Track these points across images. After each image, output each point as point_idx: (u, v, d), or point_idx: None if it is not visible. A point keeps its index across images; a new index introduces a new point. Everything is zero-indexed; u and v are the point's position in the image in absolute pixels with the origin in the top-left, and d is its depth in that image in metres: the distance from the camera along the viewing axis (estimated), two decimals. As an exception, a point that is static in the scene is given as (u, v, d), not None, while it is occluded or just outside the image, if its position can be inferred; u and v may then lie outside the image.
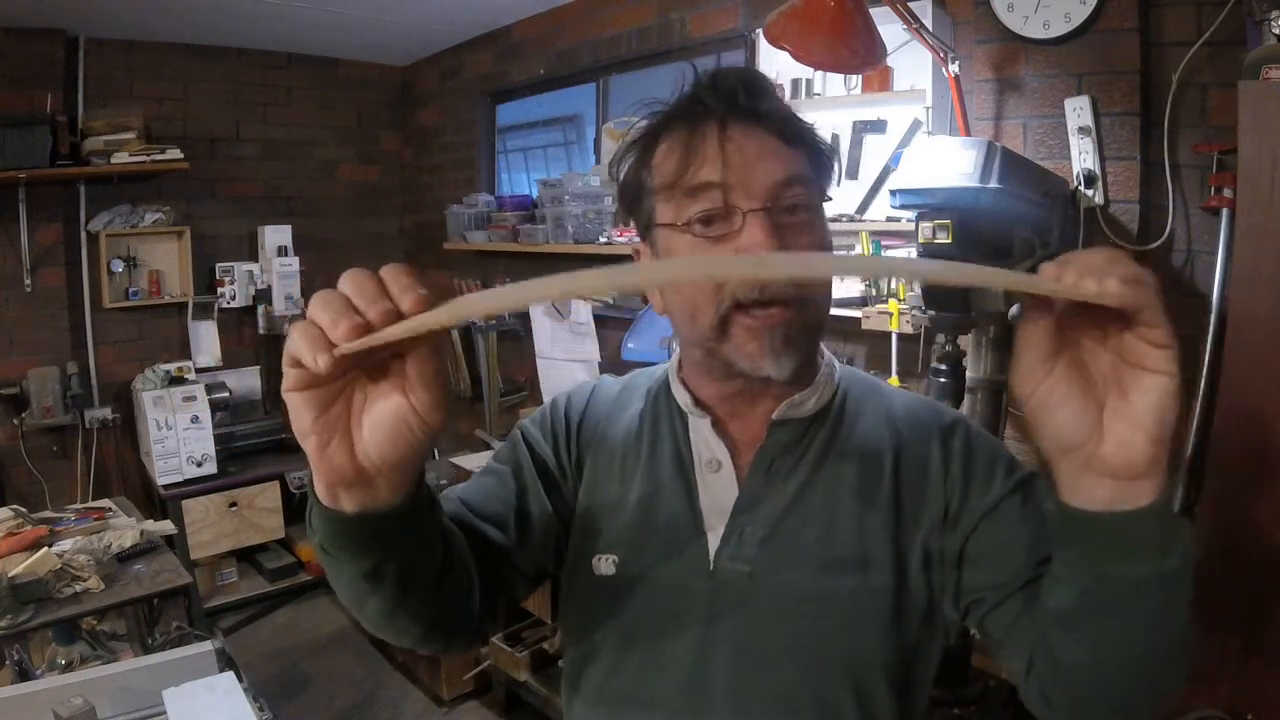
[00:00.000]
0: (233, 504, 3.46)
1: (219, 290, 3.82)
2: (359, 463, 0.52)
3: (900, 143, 2.20)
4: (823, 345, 0.81)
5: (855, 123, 2.35)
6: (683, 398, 0.80)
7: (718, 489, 0.77)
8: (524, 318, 3.57)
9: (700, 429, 0.79)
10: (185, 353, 3.77)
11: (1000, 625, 0.69)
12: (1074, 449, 0.51)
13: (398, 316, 0.48)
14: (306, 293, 3.89)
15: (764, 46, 2.35)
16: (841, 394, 0.80)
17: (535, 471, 0.83)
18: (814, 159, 0.74)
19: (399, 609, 0.64)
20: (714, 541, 0.76)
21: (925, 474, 0.75)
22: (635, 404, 0.85)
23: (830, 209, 2.37)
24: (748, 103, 0.70)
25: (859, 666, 0.72)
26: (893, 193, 1.68)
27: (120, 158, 3.34)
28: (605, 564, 0.79)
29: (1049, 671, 0.62)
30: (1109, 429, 0.50)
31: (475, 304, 0.48)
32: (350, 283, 0.50)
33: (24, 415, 3.36)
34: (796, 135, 0.72)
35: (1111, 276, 0.46)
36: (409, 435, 0.51)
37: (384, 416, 0.51)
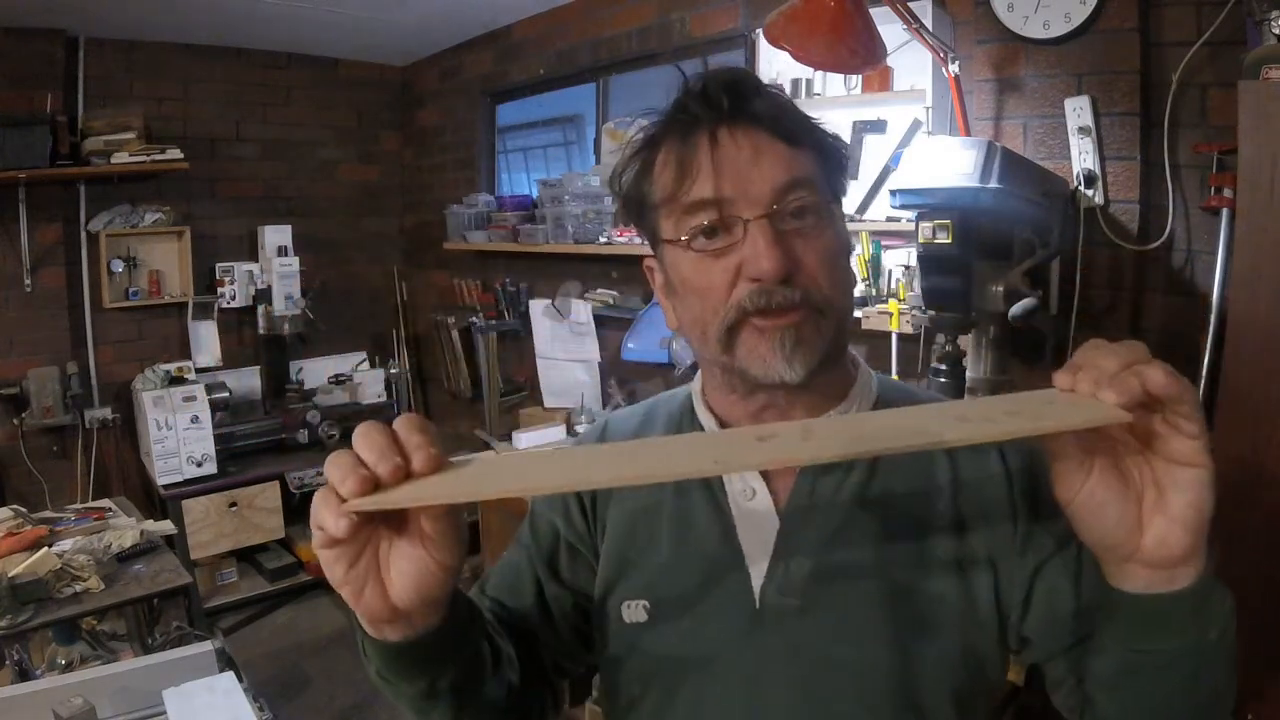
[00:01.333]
0: (233, 504, 3.46)
1: (219, 290, 3.83)
2: (393, 604, 0.55)
3: (900, 143, 2.20)
4: (857, 355, 0.79)
5: (855, 123, 2.34)
6: (707, 421, 0.76)
7: (756, 519, 0.71)
8: (524, 317, 3.57)
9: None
10: (185, 353, 3.77)
11: (1059, 672, 0.68)
12: (1116, 547, 0.52)
13: (408, 473, 0.49)
14: (306, 293, 3.90)
15: (764, 46, 2.35)
16: (882, 406, 0.75)
17: (546, 556, 0.80)
18: (821, 156, 0.69)
19: (463, 716, 0.67)
20: (758, 576, 0.70)
21: (987, 489, 0.70)
22: (656, 432, 0.81)
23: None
24: (737, 105, 0.66)
25: (924, 697, 0.68)
26: (893, 193, 1.68)
27: (120, 158, 3.35)
28: (635, 610, 0.74)
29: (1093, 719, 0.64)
30: (1148, 524, 0.50)
31: (480, 483, 0.51)
32: (362, 439, 0.51)
33: (24, 415, 3.36)
34: (797, 133, 0.67)
35: (1131, 381, 0.46)
36: (432, 580, 0.55)
37: (407, 566, 0.54)
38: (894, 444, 0.48)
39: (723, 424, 0.75)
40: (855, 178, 2.36)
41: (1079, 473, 0.51)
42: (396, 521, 0.54)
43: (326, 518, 0.49)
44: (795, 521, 0.71)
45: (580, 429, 3.20)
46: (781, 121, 0.67)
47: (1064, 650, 0.67)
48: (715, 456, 0.50)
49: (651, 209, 0.71)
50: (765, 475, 0.73)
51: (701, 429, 0.76)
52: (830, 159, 0.70)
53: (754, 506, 0.72)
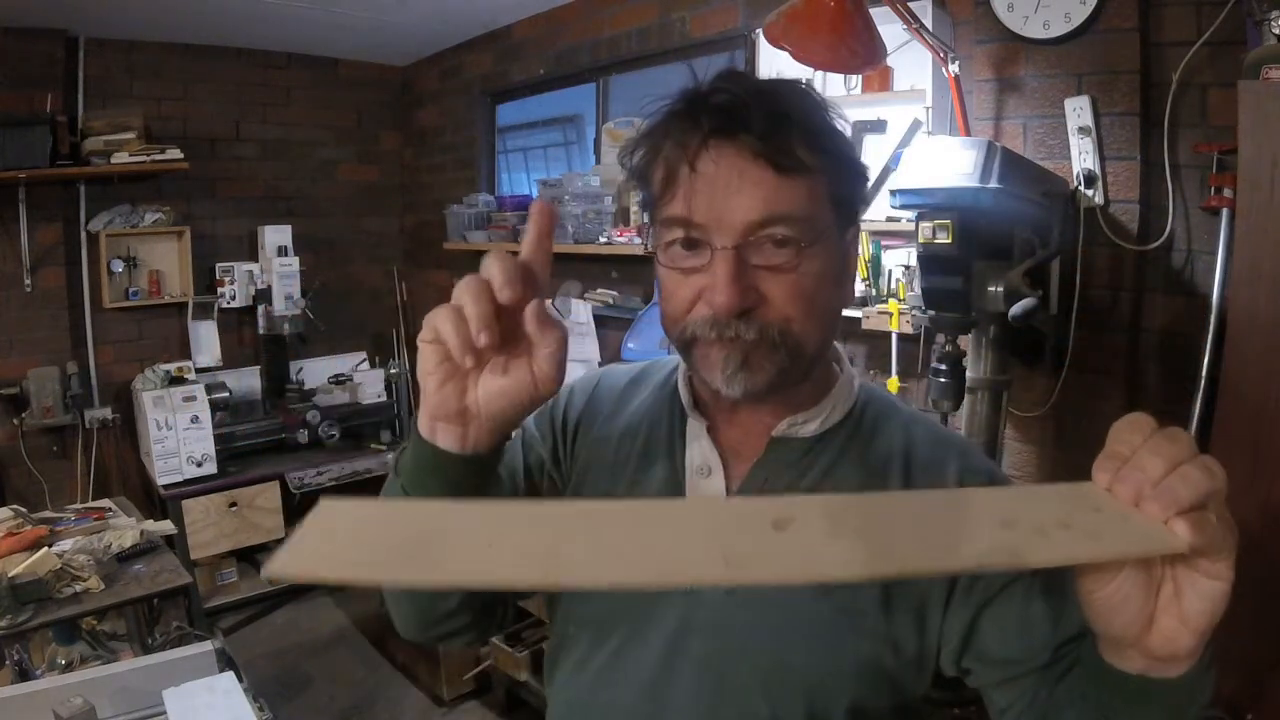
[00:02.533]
0: (233, 504, 3.46)
1: (219, 290, 3.82)
2: (465, 404, 0.58)
3: (900, 143, 2.19)
4: (844, 363, 0.78)
5: (855, 123, 2.33)
6: (685, 396, 0.78)
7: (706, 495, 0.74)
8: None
9: (696, 431, 0.76)
10: (185, 353, 3.77)
11: (1006, 699, 0.68)
12: (1121, 637, 0.51)
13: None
14: (306, 293, 3.90)
15: (764, 46, 2.35)
16: (856, 418, 0.75)
17: (528, 474, 0.81)
18: (833, 177, 0.66)
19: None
20: None
21: None
22: (641, 396, 0.83)
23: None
24: (728, 124, 0.63)
25: (825, 703, 0.69)
26: (893, 193, 1.68)
27: (120, 158, 3.34)
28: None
29: None
30: (1158, 620, 0.49)
31: (432, 560, 0.45)
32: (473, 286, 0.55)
33: (24, 415, 3.36)
34: (793, 158, 0.63)
35: (1181, 493, 0.44)
36: (523, 398, 0.58)
37: (506, 383, 0.58)
38: (926, 566, 0.43)
39: (697, 402, 0.77)
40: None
41: (1111, 569, 0.49)
42: (512, 344, 0.57)
43: (455, 346, 0.54)
44: None
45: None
46: (776, 145, 0.62)
47: (1036, 669, 0.66)
48: (725, 554, 0.43)
49: (649, 205, 0.71)
50: (724, 456, 0.75)
51: (681, 404, 0.78)
52: (844, 179, 0.68)
53: (707, 484, 0.74)
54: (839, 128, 0.68)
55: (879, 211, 2.28)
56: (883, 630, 0.69)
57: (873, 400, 0.78)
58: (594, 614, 0.77)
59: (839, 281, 0.70)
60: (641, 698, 0.72)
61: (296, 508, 3.60)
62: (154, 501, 3.48)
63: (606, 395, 0.85)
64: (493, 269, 0.54)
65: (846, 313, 2.19)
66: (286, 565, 0.44)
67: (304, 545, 0.45)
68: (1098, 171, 1.80)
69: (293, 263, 3.86)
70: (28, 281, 3.36)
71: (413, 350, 4.42)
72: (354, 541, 0.46)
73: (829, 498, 0.47)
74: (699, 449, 0.75)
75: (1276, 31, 1.49)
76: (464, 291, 0.54)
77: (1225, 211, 1.63)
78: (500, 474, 0.66)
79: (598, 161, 3.30)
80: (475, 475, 0.61)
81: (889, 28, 1.90)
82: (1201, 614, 0.48)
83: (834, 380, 0.76)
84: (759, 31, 2.30)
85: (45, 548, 2.04)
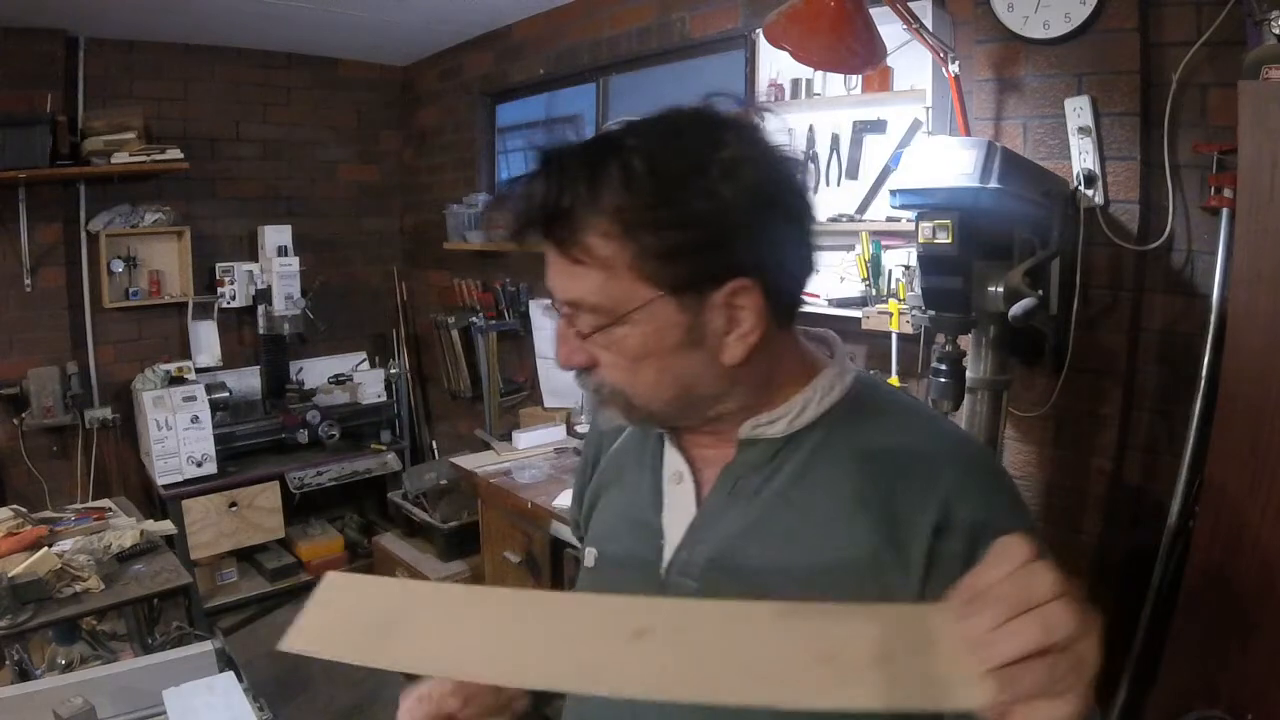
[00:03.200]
0: (233, 504, 3.46)
1: (219, 290, 3.82)
2: None
3: (900, 143, 2.20)
4: (833, 355, 0.76)
5: (855, 123, 2.35)
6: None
7: (679, 502, 0.76)
8: (524, 318, 3.57)
9: (667, 440, 0.78)
10: (185, 353, 3.77)
11: None
12: None
13: None
14: (306, 293, 3.90)
15: (764, 46, 2.35)
16: (841, 414, 0.73)
17: (581, 486, 0.92)
18: (644, 260, 0.63)
19: None
20: (668, 554, 0.74)
21: (908, 546, 0.65)
22: None
23: (831, 209, 2.39)
24: (523, 219, 0.65)
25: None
26: (893, 193, 1.68)
27: (120, 158, 3.34)
28: (589, 556, 0.83)
29: None
30: None
31: (388, 647, 0.57)
32: None
33: (24, 415, 3.36)
34: (583, 250, 0.63)
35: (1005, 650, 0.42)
36: None
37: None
38: (745, 699, 0.47)
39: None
40: (855, 178, 2.37)
41: None
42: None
43: None
44: (712, 510, 0.74)
45: (580, 429, 3.20)
46: (559, 239, 0.64)
47: None
48: (580, 661, 0.51)
49: None
50: (692, 463, 0.76)
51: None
52: (668, 251, 0.63)
53: (679, 491, 0.76)
54: (688, 194, 0.62)
55: (879, 211, 2.28)
56: None
57: (867, 394, 0.75)
58: None
59: (684, 347, 0.67)
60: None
61: (296, 508, 3.60)
62: (154, 501, 3.48)
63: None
64: None
65: (846, 312, 2.22)
66: (294, 642, 0.57)
67: (308, 622, 0.59)
68: (1098, 171, 1.80)
69: (293, 263, 3.86)
70: (28, 281, 3.36)
71: (414, 350, 4.42)
72: (345, 620, 0.59)
73: (692, 606, 0.55)
74: (672, 458, 0.78)
75: (1276, 31, 1.49)
76: None
77: (1225, 211, 1.63)
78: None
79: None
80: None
81: (889, 28, 1.90)
82: None
83: (808, 376, 0.74)
84: (759, 31, 2.30)
85: (45, 548, 2.04)
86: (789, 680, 0.47)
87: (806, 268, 0.72)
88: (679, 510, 0.76)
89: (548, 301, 0.71)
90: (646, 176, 0.62)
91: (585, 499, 0.90)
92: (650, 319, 0.65)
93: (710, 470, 0.75)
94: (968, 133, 1.92)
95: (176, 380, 3.53)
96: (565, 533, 2.39)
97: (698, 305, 0.65)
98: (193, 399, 3.41)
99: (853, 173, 2.37)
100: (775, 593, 0.66)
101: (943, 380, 1.73)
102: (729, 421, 0.73)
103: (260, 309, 3.83)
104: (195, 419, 3.39)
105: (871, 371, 2.31)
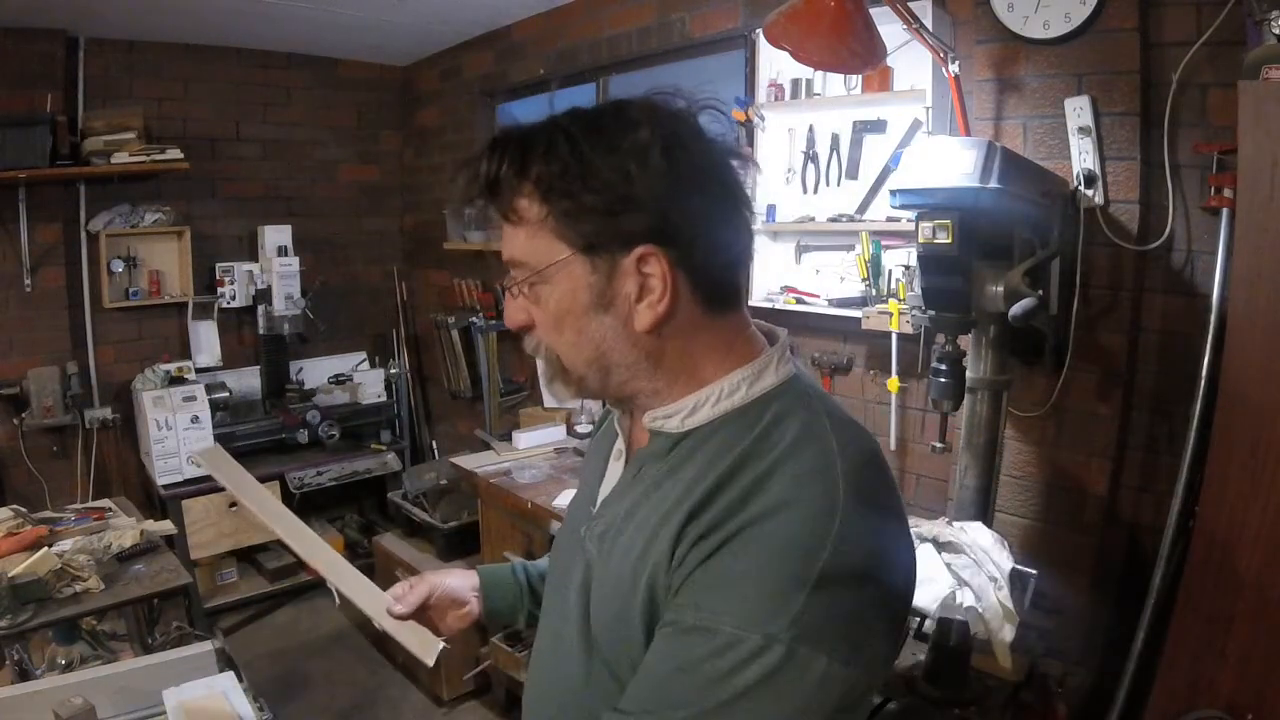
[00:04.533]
0: (233, 504, 3.46)
1: (219, 290, 3.82)
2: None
3: (900, 143, 2.20)
4: (765, 358, 0.75)
5: (855, 123, 2.35)
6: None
7: (613, 476, 0.84)
8: (524, 318, 3.56)
9: (617, 422, 0.87)
10: (185, 353, 3.77)
11: None
12: None
13: None
14: (306, 293, 3.90)
15: (764, 46, 2.35)
16: (728, 420, 0.73)
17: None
18: (565, 223, 0.70)
19: None
20: (590, 520, 0.83)
21: (685, 542, 0.67)
22: None
23: (831, 209, 2.39)
24: (470, 189, 0.74)
25: (622, 682, 0.71)
26: (893, 193, 1.68)
27: (120, 158, 3.34)
28: (559, 524, 0.95)
29: None
30: None
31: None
32: None
33: (24, 415, 3.36)
34: (517, 209, 0.72)
35: None
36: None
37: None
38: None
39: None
40: (855, 178, 2.37)
41: None
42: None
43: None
44: (620, 488, 0.81)
45: (580, 429, 3.20)
46: (498, 202, 0.74)
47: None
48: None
49: None
50: (629, 444, 0.85)
51: None
52: (587, 216, 0.70)
53: (616, 466, 0.85)
54: (605, 166, 0.69)
55: (879, 211, 2.28)
56: (640, 637, 0.72)
57: (783, 399, 0.73)
58: (550, 573, 0.93)
59: (597, 307, 0.72)
60: (546, 651, 0.87)
61: (296, 508, 3.58)
62: (154, 501, 3.48)
63: None
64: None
65: (846, 312, 2.22)
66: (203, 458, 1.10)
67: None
68: (1098, 171, 1.80)
69: (293, 263, 3.86)
70: (28, 281, 3.36)
71: (414, 350, 4.42)
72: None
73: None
74: (619, 435, 0.87)
75: (1276, 31, 1.49)
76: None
77: (1225, 211, 1.63)
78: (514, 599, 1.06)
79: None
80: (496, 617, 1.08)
81: (889, 28, 1.90)
82: None
83: (711, 378, 0.74)
84: (759, 31, 2.30)
85: (45, 548, 2.04)
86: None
87: (736, 252, 0.76)
88: (609, 484, 0.84)
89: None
90: (566, 151, 0.70)
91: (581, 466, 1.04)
92: (566, 276, 0.72)
93: (634, 452, 0.83)
94: (968, 133, 1.92)
95: (176, 380, 3.53)
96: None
97: (610, 269, 0.72)
98: (193, 399, 3.41)
99: (853, 173, 2.37)
100: (619, 565, 0.74)
101: (943, 380, 1.73)
102: (646, 404, 0.78)
103: (260, 309, 3.83)
104: (195, 419, 3.39)
105: (871, 373, 2.32)
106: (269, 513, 1.13)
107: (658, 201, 0.70)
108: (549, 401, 3.41)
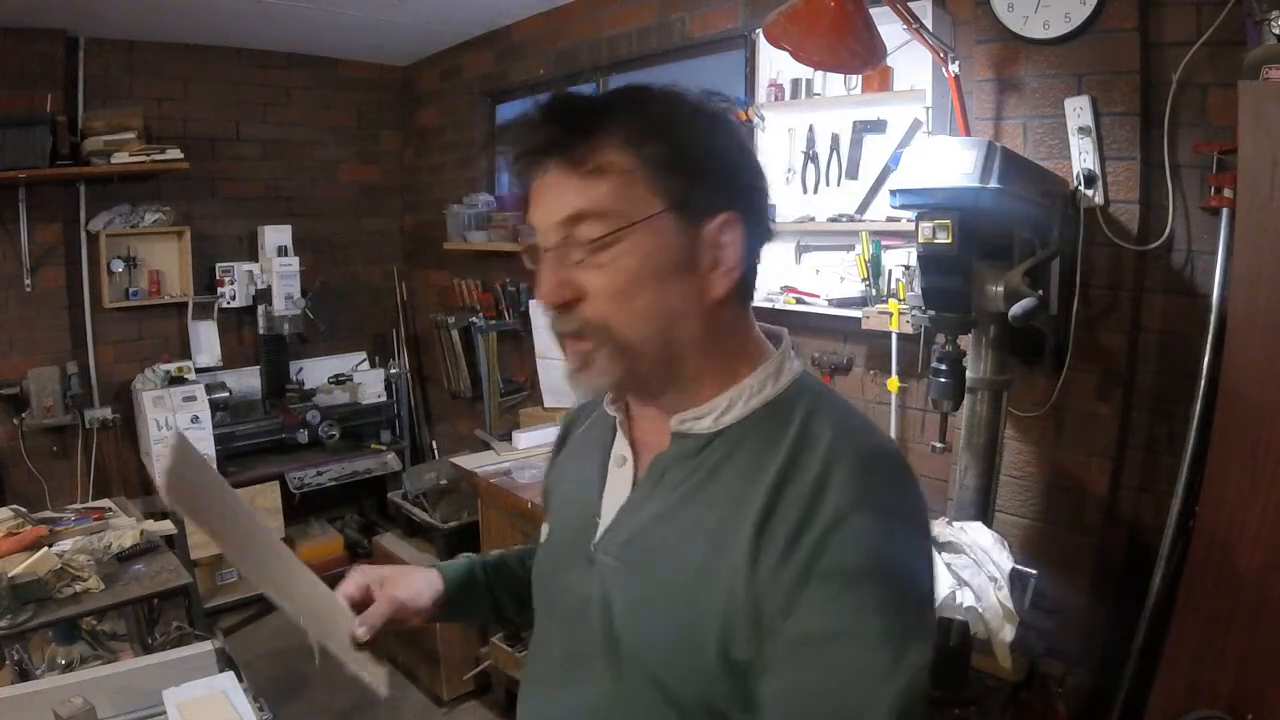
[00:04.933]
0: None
1: (219, 290, 3.82)
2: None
3: (900, 143, 2.20)
4: (779, 353, 0.76)
5: (855, 123, 2.35)
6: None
7: (618, 484, 0.80)
8: (524, 318, 3.57)
9: (619, 426, 0.83)
10: (185, 353, 3.77)
11: None
12: None
13: None
14: (306, 293, 3.90)
15: (764, 46, 2.35)
16: (771, 414, 0.73)
17: (550, 463, 0.97)
18: (653, 177, 0.67)
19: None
20: (600, 531, 0.78)
21: (770, 550, 0.65)
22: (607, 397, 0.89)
23: (831, 209, 2.39)
24: (539, 139, 0.69)
25: (673, 697, 0.70)
26: (893, 193, 1.68)
27: (120, 158, 3.34)
28: (544, 530, 0.89)
29: None
30: None
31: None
32: None
33: (24, 415, 3.36)
34: (596, 157, 0.67)
35: None
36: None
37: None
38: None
39: (616, 397, 0.83)
40: (855, 178, 2.37)
41: None
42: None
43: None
44: (640, 494, 0.77)
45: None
46: (576, 149, 0.67)
47: None
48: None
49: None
50: (634, 448, 0.80)
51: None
52: (676, 172, 0.68)
53: (620, 473, 0.80)
54: (690, 127, 0.69)
55: (879, 211, 2.28)
56: (715, 649, 0.69)
57: (802, 396, 0.74)
58: (540, 584, 0.88)
59: (678, 272, 0.69)
60: (556, 667, 0.82)
61: (296, 508, 3.60)
62: (154, 502, 3.48)
63: (589, 404, 0.93)
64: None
65: (847, 312, 2.22)
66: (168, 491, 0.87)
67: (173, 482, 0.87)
68: (1098, 171, 1.80)
69: (293, 263, 3.86)
70: (28, 281, 3.36)
71: (414, 350, 4.42)
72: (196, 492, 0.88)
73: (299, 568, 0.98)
74: (620, 443, 0.82)
75: (1276, 31, 1.49)
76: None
77: (1225, 211, 1.63)
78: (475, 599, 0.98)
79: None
80: (458, 615, 1.00)
81: (889, 28, 1.90)
82: None
83: (742, 374, 0.74)
84: (759, 31, 2.30)
85: (45, 548, 2.04)
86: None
87: (768, 238, 0.76)
88: (616, 492, 0.80)
89: (533, 240, 0.73)
90: (655, 107, 0.70)
91: (550, 475, 0.96)
92: (653, 234, 0.68)
93: (647, 457, 0.79)
94: (968, 133, 1.92)
95: (176, 380, 3.53)
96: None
97: (694, 233, 0.69)
98: (193, 399, 3.41)
99: (853, 173, 2.37)
100: (671, 576, 0.71)
101: (943, 380, 1.73)
102: (673, 404, 0.75)
103: (260, 309, 3.83)
104: (195, 419, 3.39)
105: (871, 373, 2.32)
106: (231, 530, 0.92)
107: (740, 171, 0.71)
108: (549, 401, 3.41)
